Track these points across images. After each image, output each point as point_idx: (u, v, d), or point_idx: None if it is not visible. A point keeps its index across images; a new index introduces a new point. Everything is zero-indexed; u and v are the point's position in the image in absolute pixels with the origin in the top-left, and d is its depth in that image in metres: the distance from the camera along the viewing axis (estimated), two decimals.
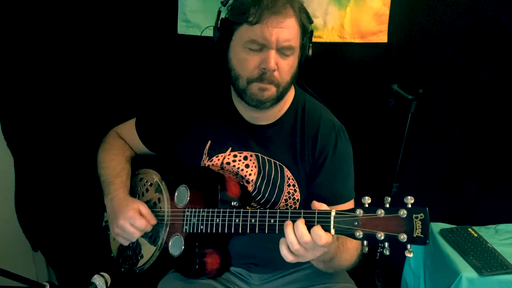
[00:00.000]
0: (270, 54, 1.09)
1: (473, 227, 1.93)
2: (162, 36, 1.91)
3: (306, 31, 1.15)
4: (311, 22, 1.16)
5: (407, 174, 1.97)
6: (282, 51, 1.10)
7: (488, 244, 1.80)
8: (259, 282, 1.34)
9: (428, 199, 2.08)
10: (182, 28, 1.90)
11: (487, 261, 1.70)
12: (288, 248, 0.96)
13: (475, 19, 1.83)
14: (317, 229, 0.92)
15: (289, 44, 1.09)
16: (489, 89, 1.93)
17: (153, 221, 1.25)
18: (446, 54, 1.89)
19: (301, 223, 0.94)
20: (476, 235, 1.87)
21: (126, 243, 1.29)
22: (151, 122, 1.39)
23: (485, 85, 1.92)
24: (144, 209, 1.24)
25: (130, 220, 1.20)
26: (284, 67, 1.12)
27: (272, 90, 1.14)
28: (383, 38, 1.86)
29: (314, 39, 1.87)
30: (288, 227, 0.95)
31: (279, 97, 1.17)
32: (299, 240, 0.93)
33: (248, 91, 1.15)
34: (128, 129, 1.43)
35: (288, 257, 0.96)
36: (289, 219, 0.97)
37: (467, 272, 1.66)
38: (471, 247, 1.79)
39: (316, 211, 0.96)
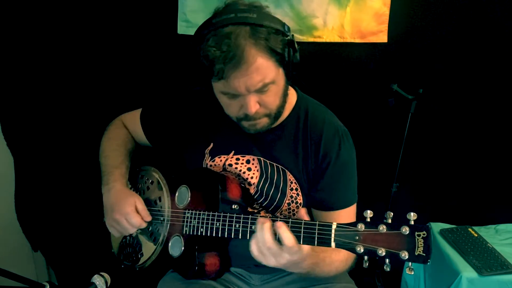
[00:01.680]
0: (247, 101, 1.07)
1: (473, 227, 1.93)
2: (162, 36, 1.91)
3: (282, 54, 1.06)
4: (287, 31, 1.07)
5: (407, 174, 1.97)
6: (259, 90, 1.07)
7: (488, 244, 1.80)
8: (259, 283, 1.34)
9: (428, 199, 2.08)
10: (182, 28, 1.90)
11: (487, 261, 1.70)
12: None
13: (476, 19, 1.83)
14: (286, 232, 0.92)
15: (262, 84, 1.05)
16: (489, 89, 1.93)
17: (148, 218, 1.26)
18: (446, 54, 1.89)
19: (267, 228, 0.94)
20: (476, 235, 1.87)
21: (117, 235, 1.31)
22: (155, 116, 1.39)
23: (485, 85, 1.92)
24: (140, 205, 1.25)
25: (126, 216, 1.22)
26: (268, 99, 1.10)
27: (263, 121, 1.14)
28: (383, 38, 1.86)
29: (314, 39, 1.90)
30: (259, 225, 0.96)
31: (275, 119, 1.17)
32: (263, 245, 0.94)
33: (241, 125, 1.16)
34: (133, 119, 1.43)
35: (254, 250, 0.97)
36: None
37: (467, 272, 1.66)
38: (471, 247, 1.79)
39: (317, 223, 0.94)
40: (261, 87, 1.05)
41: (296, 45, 1.08)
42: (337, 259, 1.12)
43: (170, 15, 1.89)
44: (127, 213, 1.22)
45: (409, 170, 1.99)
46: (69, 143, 2.02)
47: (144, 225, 1.25)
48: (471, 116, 1.97)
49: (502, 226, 1.99)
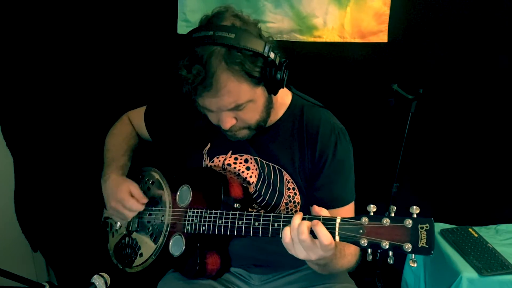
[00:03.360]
0: (221, 117, 1.09)
1: (474, 227, 1.93)
2: (162, 36, 1.91)
3: (257, 76, 1.03)
4: (268, 51, 1.02)
5: (407, 174, 1.97)
6: (233, 109, 1.07)
7: (489, 244, 1.80)
8: (259, 283, 1.34)
9: (428, 199, 2.08)
10: (182, 28, 1.90)
11: (487, 261, 1.70)
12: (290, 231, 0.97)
13: (476, 19, 1.83)
14: (323, 229, 0.92)
15: (235, 104, 1.05)
16: (490, 89, 1.93)
17: (143, 200, 1.28)
18: (446, 54, 1.89)
19: (306, 222, 0.95)
20: (476, 235, 1.87)
21: (121, 223, 1.36)
22: (158, 113, 1.41)
23: (485, 85, 1.92)
24: (135, 189, 1.27)
25: (122, 202, 1.25)
26: (245, 116, 1.10)
27: (244, 132, 1.15)
28: (383, 38, 1.86)
29: (314, 39, 1.90)
30: (298, 215, 0.97)
31: (258, 128, 1.16)
32: (298, 235, 0.94)
33: (225, 133, 1.17)
34: (138, 116, 1.46)
35: (286, 237, 0.97)
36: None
37: (467, 272, 1.66)
38: (472, 247, 1.79)
39: (321, 217, 0.96)
40: (234, 107, 1.05)
41: (279, 62, 1.05)
42: (349, 252, 1.13)
43: (170, 15, 1.89)
44: (122, 198, 1.25)
45: (409, 170, 1.99)
46: (69, 143, 2.02)
47: (141, 207, 1.27)
48: (472, 116, 1.97)
49: (502, 226, 1.99)
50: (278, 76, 1.05)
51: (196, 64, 0.98)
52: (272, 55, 1.03)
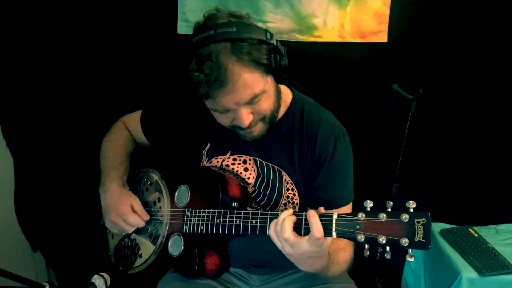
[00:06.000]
0: (239, 114, 1.07)
1: (474, 227, 1.93)
2: (162, 36, 1.91)
3: (268, 63, 1.04)
4: (270, 38, 1.04)
5: (407, 174, 1.97)
6: (249, 102, 1.06)
7: (489, 244, 1.80)
8: (259, 283, 1.34)
9: (428, 199, 2.08)
10: (182, 28, 1.91)
11: (487, 261, 1.70)
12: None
13: (476, 19, 1.83)
14: (318, 222, 0.93)
15: (252, 95, 1.04)
16: (490, 88, 1.93)
17: (146, 217, 1.28)
18: (446, 54, 1.89)
19: (290, 218, 0.96)
20: (476, 235, 1.87)
21: (119, 233, 1.37)
22: (154, 117, 1.40)
23: (485, 85, 1.92)
24: (137, 205, 1.27)
25: (123, 217, 1.25)
26: (260, 108, 1.10)
27: (259, 127, 1.14)
28: (383, 38, 1.86)
29: (314, 39, 1.90)
30: (287, 211, 0.98)
31: (271, 123, 1.16)
32: (281, 234, 0.95)
33: (237, 132, 1.16)
34: (134, 120, 1.45)
35: (271, 231, 0.99)
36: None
37: (467, 272, 1.66)
38: (472, 247, 1.79)
39: (319, 213, 0.96)
40: (251, 99, 1.05)
41: (282, 49, 1.06)
42: (343, 259, 1.13)
43: (170, 15, 1.89)
44: (123, 213, 1.24)
45: (409, 170, 1.99)
46: (69, 144, 2.02)
47: (142, 224, 1.27)
48: (472, 116, 1.97)
49: (502, 226, 1.99)
50: (283, 62, 1.06)
51: (207, 61, 0.98)
52: (274, 41, 1.05)
